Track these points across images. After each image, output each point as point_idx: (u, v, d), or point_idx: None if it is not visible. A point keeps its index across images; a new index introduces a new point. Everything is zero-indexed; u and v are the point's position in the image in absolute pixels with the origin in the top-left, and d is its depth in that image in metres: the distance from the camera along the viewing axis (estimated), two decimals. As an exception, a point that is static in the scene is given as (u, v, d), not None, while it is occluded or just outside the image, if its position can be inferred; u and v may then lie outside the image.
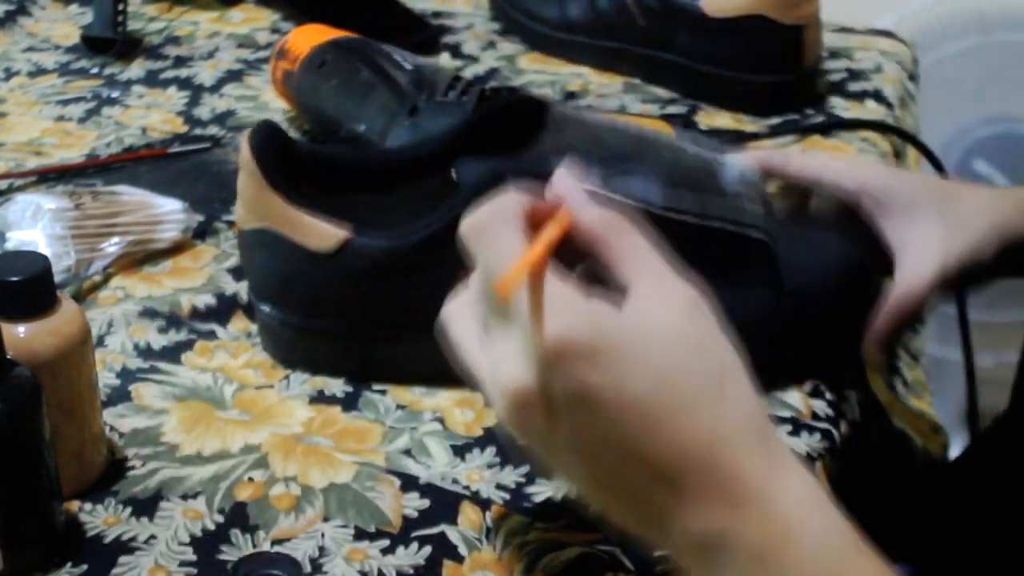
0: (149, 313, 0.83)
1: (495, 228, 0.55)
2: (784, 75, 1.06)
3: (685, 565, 0.56)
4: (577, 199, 0.57)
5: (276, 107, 1.09)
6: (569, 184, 0.58)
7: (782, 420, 0.75)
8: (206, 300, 0.84)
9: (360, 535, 0.67)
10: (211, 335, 0.82)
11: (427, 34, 1.19)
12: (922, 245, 0.79)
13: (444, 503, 0.69)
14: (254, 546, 0.67)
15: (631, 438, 0.53)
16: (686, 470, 0.53)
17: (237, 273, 0.87)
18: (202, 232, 0.92)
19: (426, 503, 0.69)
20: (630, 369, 0.52)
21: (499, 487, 0.71)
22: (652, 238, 0.56)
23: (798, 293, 0.75)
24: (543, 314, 0.52)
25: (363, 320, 0.75)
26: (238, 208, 0.78)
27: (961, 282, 0.81)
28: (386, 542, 0.67)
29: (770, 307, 0.75)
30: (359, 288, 0.74)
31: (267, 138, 0.75)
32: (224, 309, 0.84)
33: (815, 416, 0.76)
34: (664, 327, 0.54)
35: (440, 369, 0.62)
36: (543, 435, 0.54)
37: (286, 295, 0.76)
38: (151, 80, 1.14)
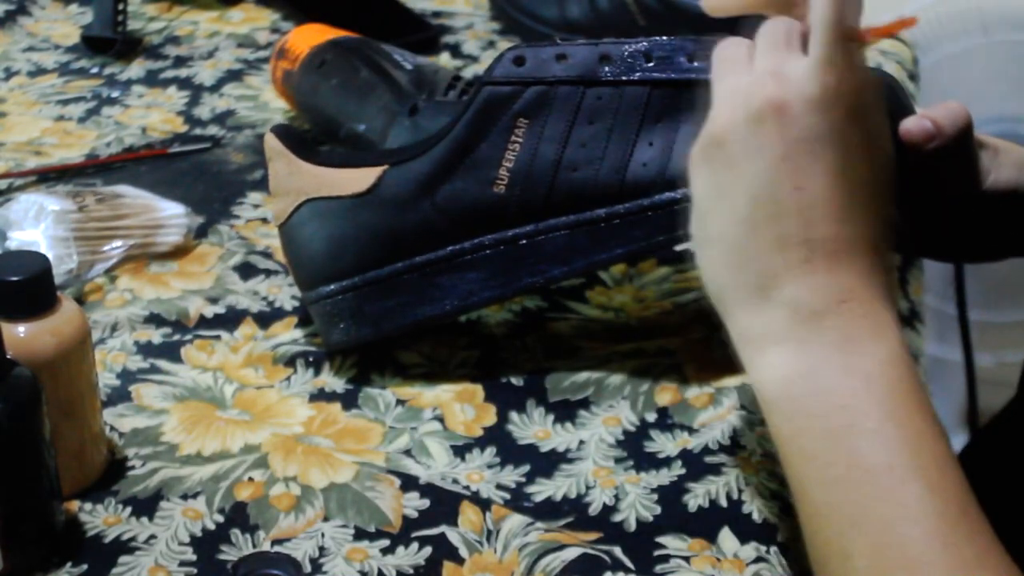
0: (155, 320, 0.83)
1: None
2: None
3: (758, 330, 0.60)
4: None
5: (276, 107, 1.09)
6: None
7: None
8: (215, 309, 0.84)
9: (360, 535, 0.67)
10: (215, 338, 0.82)
11: (427, 34, 1.19)
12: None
13: (444, 503, 0.69)
14: (254, 546, 0.67)
15: (823, 194, 0.59)
16: (835, 248, 0.59)
17: (244, 271, 0.88)
18: (203, 231, 0.92)
19: (426, 503, 0.69)
20: (870, 146, 0.60)
21: (499, 487, 0.71)
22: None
23: None
24: (846, 63, 0.60)
25: (420, 247, 0.75)
26: (274, 207, 0.78)
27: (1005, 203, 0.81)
28: (386, 542, 0.67)
29: None
30: (409, 211, 0.75)
31: (286, 130, 0.79)
32: (232, 318, 0.83)
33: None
34: (889, 146, 0.63)
35: (503, 284, 0.74)
36: (763, 146, 0.60)
37: (340, 257, 0.76)
38: (151, 80, 1.14)
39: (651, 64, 0.73)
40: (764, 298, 0.60)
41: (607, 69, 0.73)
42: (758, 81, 0.61)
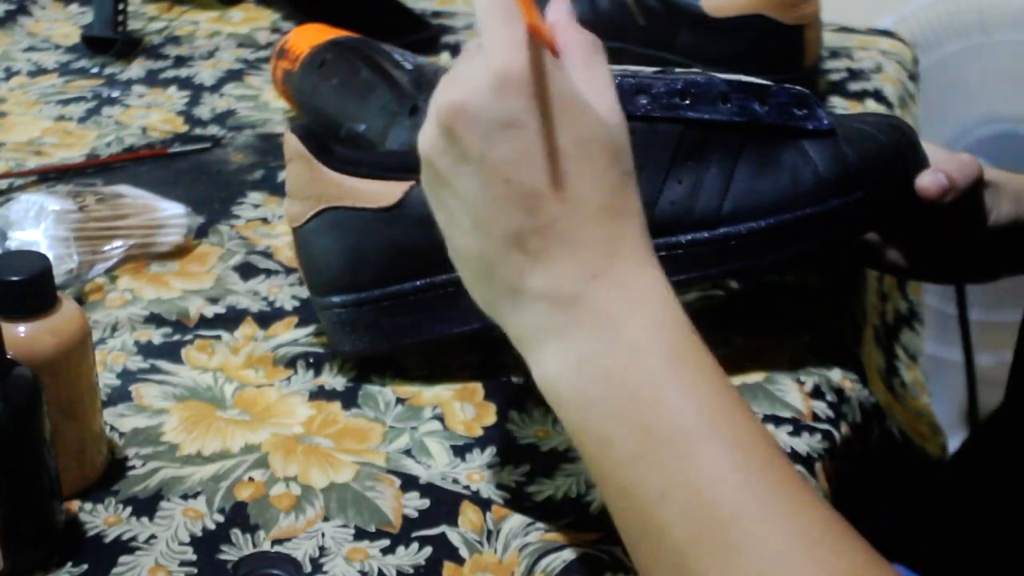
0: (156, 320, 0.83)
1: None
2: (784, 75, 1.06)
3: (517, 323, 0.59)
4: (567, 20, 0.65)
5: (276, 107, 1.09)
6: (567, 9, 0.66)
7: (782, 421, 0.75)
8: (215, 309, 0.84)
9: (360, 535, 0.67)
10: (216, 338, 0.82)
11: (427, 34, 1.19)
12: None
13: (444, 503, 0.69)
14: (254, 546, 0.67)
15: (533, 180, 0.57)
16: (567, 226, 0.57)
17: (244, 271, 0.88)
18: (203, 231, 0.92)
19: (426, 503, 0.69)
20: (561, 123, 0.57)
21: (499, 487, 0.71)
22: (608, 70, 0.62)
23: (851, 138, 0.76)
24: (514, 48, 0.58)
25: (442, 265, 0.74)
26: (289, 208, 0.78)
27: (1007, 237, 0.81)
28: (386, 542, 0.67)
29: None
30: (432, 230, 0.74)
31: (307, 132, 0.78)
32: (232, 318, 0.83)
33: (815, 417, 0.76)
34: (599, 114, 0.59)
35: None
36: (458, 156, 0.58)
37: (359, 270, 0.76)
38: (151, 80, 1.14)
39: (686, 102, 0.73)
40: (520, 298, 0.59)
41: (643, 102, 0.73)
42: (438, 92, 0.60)
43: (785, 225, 0.74)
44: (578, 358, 0.57)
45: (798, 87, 0.75)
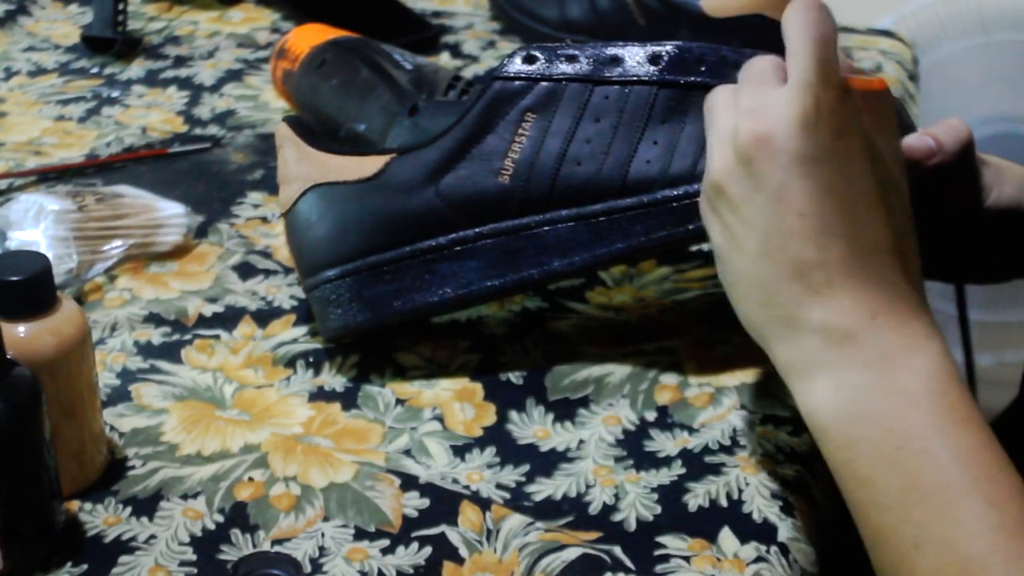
0: (154, 319, 0.83)
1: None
2: (784, 75, 1.06)
3: (791, 352, 0.61)
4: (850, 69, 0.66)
5: (276, 107, 1.09)
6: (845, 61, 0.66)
7: (782, 421, 0.75)
8: (213, 308, 0.84)
9: (360, 535, 0.67)
10: (215, 337, 0.82)
11: (427, 34, 1.19)
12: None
13: (444, 502, 0.69)
14: (254, 546, 0.67)
15: (828, 216, 0.59)
16: (853, 264, 0.59)
17: (243, 271, 0.88)
18: (203, 231, 0.92)
19: (426, 502, 0.69)
20: (862, 164, 0.60)
21: (499, 487, 0.71)
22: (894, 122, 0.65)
23: None
24: (826, 87, 0.61)
25: (422, 233, 0.76)
26: (280, 196, 0.79)
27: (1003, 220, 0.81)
28: (386, 542, 0.67)
29: None
30: (413, 197, 0.76)
31: (298, 121, 0.80)
32: (231, 317, 0.83)
33: (815, 416, 0.76)
34: (889, 164, 0.62)
35: (502, 274, 0.75)
36: (756, 185, 0.60)
37: (342, 241, 0.76)
38: (151, 80, 1.14)
39: (658, 67, 0.74)
40: (796, 328, 0.60)
41: (616, 70, 0.74)
42: (741, 120, 0.62)
43: None
44: (849, 396, 0.58)
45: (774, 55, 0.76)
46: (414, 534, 0.67)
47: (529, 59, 0.75)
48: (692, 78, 0.74)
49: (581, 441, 0.74)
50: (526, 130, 0.74)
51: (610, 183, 0.74)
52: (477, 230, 0.75)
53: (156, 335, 0.82)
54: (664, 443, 0.74)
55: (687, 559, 0.66)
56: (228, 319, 0.83)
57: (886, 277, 0.60)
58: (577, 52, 0.75)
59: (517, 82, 0.75)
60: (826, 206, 0.60)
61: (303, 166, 0.78)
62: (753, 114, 0.61)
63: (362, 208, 0.76)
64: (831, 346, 0.59)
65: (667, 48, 0.74)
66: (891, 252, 0.60)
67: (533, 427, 0.75)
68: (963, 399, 0.58)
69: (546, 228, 0.75)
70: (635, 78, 0.74)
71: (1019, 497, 0.56)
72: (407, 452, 0.73)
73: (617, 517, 0.69)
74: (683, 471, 0.72)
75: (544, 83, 0.74)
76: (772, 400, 0.76)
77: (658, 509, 0.69)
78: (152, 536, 0.67)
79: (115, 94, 1.11)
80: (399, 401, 0.77)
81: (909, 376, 0.58)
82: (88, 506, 0.69)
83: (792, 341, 0.61)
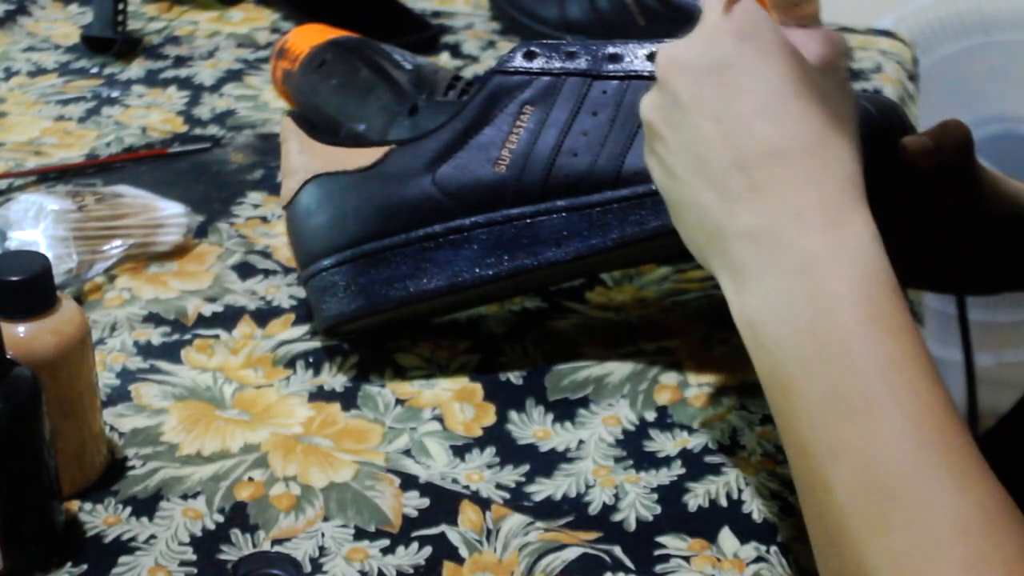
0: (154, 319, 0.83)
1: None
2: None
3: (721, 263, 0.60)
4: None
5: (276, 107, 1.09)
6: None
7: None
8: (213, 308, 0.84)
9: (360, 535, 0.67)
10: (214, 337, 0.82)
11: (427, 34, 1.19)
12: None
13: (444, 502, 0.69)
14: (254, 546, 0.67)
15: (741, 117, 0.58)
16: (773, 162, 0.58)
17: (242, 271, 0.88)
18: (203, 231, 0.92)
19: (426, 502, 0.69)
20: (770, 63, 0.59)
21: (499, 487, 0.71)
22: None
23: None
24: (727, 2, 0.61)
25: (417, 221, 0.76)
26: (283, 189, 0.79)
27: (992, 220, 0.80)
28: (386, 542, 0.67)
29: None
30: (410, 185, 0.76)
31: (302, 116, 0.81)
32: (230, 316, 0.83)
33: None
34: (813, 67, 0.61)
35: (496, 263, 0.75)
36: (672, 106, 0.61)
37: (343, 230, 0.77)
38: (151, 80, 1.14)
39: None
40: (726, 238, 0.59)
41: (615, 66, 0.75)
42: (659, 51, 0.63)
43: None
44: (775, 300, 0.57)
45: None
46: (414, 534, 0.67)
47: (529, 55, 0.76)
48: (636, 69, 0.75)
49: (581, 441, 0.74)
50: (524, 122, 0.75)
51: (605, 174, 0.74)
52: (473, 219, 0.75)
53: (156, 335, 0.82)
54: (664, 443, 0.74)
55: (687, 559, 0.66)
56: (228, 319, 0.83)
57: (813, 173, 0.58)
58: (577, 49, 0.76)
59: (517, 76, 0.75)
60: (740, 108, 0.59)
61: (305, 158, 0.78)
62: (669, 44, 0.62)
63: (359, 196, 0.76)
64: (759, 250, 0.58)
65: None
66: (818, 146, 0.58)
67: (533, 427, 0.75)
68: (892, 305, 0.56)
69: (541, 218, 0.75)
70: (633, 73, 0.75)
71: (940, 409, 0.54)
72: (407, 452, 0.73)
73: (617, 517, 0.69)
74: (683, 471, 0.72)
75: (544, 77, 0.75)
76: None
77: (658, 509, 0.69)
78: (152, 536, 0.67)
79: (115, 94, 1.11)
80: (399, 401, 0.77)
81: (835, 279, 0.56)
82: (88, 506, 0.69)
83: (726, 252, 0.59)
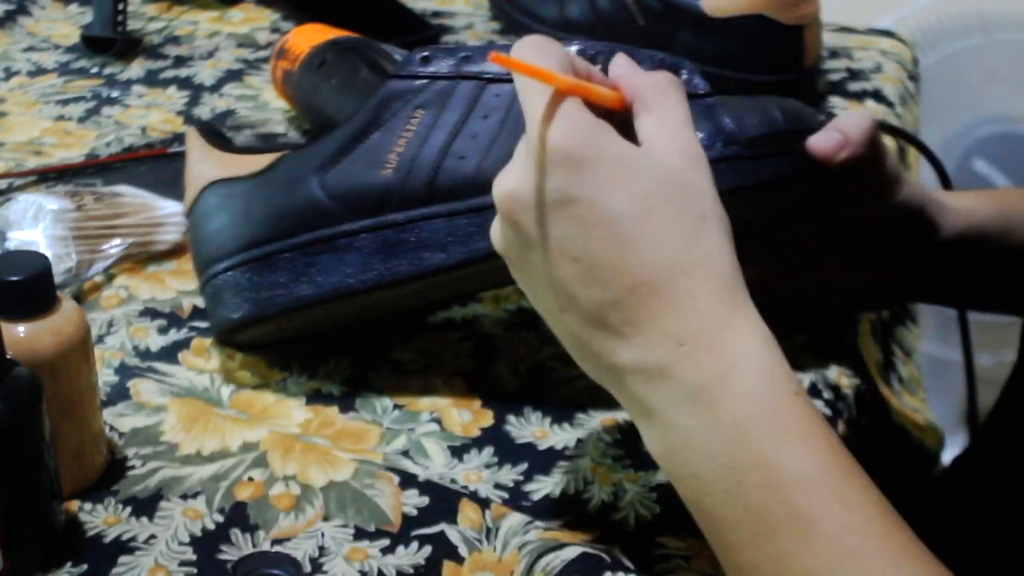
0: (151, 313, 0.83)
1: (542, 48, 0.59)
2: (784, 75, 1.06)
3: (625, 400, 0.58)
4: (634, 71, 0.61)
5: (276, 107, 1.09)
6: (627, 62, 0.62)
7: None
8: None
9: (360, 535, 0.67)
10: (207, 331, 0.82)
11: (427, 34, 1.19)
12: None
13: (443, 500, 0.69)
14: (254, 546, 0.67)
15: (598, 253, 0.55)
16: (642, 293, 0.55)
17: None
18: (202, 232, 0.92)
19: (425, 500, 0.69)
20: (612, 186, 0.55)
21: (497, 487, 0.71)
22: (686, 106, 0.60)
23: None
24: (551, 122, 0.56)
25: (304, 226, 0.75)
26: (185, 194, 0.80)
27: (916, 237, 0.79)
28: (386, 542, 0.67)
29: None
30: (298, 190, 0.75)
31: (208, 126, 0.83)
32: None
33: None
34: (659, 162, 0.56)
35: (382, 269, 0.73)
36: (525, 244, 0.57)
37: (235, 236, 0.76)
38: (151, 80, 1.14)
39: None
40: (617, 375, 0.57)
41: (474, 68, 0.74)
42: (495, 184, 0.59)
43: None
44: (680, 437, 0.55)
45: (672, 56, 0.73)
46: (414, 533, 0.67)
47: (425, 60, 0.74)
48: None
49: (579, 440, 0.74)
50: (414, 125, 0.73)
51: (490, 178, 0.71)
52: (358, 224, 0.74)
53: (152, 328, 0.82)
54: (663, 443, 0.74)
55: (686, 559, 0.66)
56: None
57: (686, 294, 0.55)
58: (472, 53, 0.74)
59: (412, 80, 0.74)
60: (593, 243, 0.55)
61: (205, 166, 0.78)
62: (503, 174, 0.58)
63: (250, 201, 0.76)
64: (651, 385, 0.55)
65: (569, 49, 0.73)
66: (683, 263, 0.55)
67: (531, 428, 0.75)
68: (796, 410, 0.54)
69: (426, 222, 0.73)
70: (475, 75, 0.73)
71: (867, 502, 0.53)
72: (405, 453, 0.73)
73: (616, 516, 0.69)
74: (682, 471, 0.72)
75: (439, 81, 0.74)
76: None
77: (657, 509, 0.69)
78: (152, 536, 0.67)
79: (115, 94, 1.11)
80: (396, 407, 0.77)
81: (732, 403, 0.54)
82: (88, 506, 0.69)
83: (623, 389, 0.57)
